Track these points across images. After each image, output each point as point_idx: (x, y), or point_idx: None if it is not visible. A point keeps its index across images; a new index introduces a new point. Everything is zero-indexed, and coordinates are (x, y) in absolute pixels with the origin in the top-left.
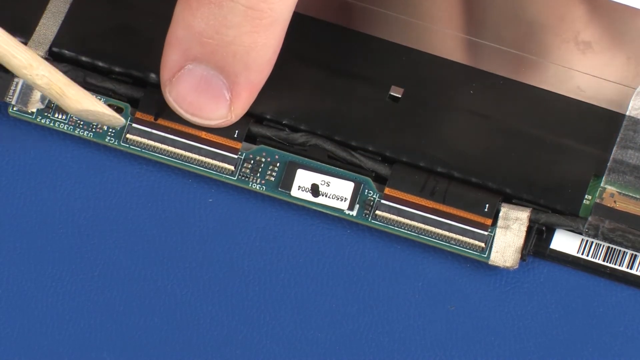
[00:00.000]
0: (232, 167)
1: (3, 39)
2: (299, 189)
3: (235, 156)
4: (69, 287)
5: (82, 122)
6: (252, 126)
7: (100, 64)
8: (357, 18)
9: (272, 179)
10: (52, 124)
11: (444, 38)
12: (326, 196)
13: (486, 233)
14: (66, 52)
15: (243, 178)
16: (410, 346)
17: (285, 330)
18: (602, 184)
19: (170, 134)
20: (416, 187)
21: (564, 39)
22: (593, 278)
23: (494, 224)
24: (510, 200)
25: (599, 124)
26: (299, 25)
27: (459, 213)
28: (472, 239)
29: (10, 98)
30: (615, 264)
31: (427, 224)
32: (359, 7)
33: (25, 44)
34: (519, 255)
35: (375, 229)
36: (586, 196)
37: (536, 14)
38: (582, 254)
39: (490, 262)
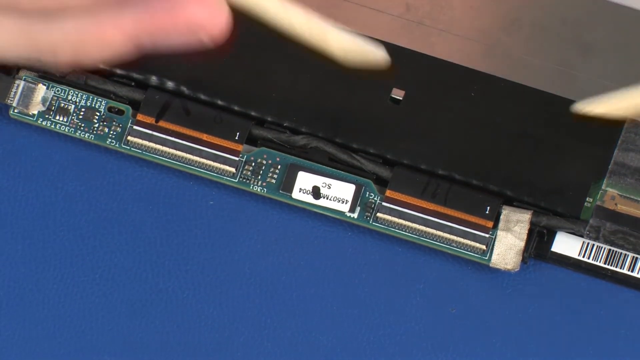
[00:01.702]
0: (233, 170)
1: None
2: (300, 192)
3: (237, 158)
4: (69, 289)
5: (82, 125)
6: (253, 128)
7: (101, 66)
8: (357, 19)
9: (273, 181)
10: (53, 126)
11: (444, 40)
12: (327, 198)
13: (487, 235)
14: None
15: (244, 180)
16: (412, 349)
17: (286, 333)
18: (603, 187)
19: (171, 136)
20: (417, 189)
21: (566, 41)
22: (594, 280)
23: (495, 226)
24: (512, 202)
25: (600, 126)
26: None
27: (460, 215)
28: (473, 241)
29: (11, 100)
30: (616, 267)
31: (428, 227)
32: (359, 8)
33: None
34: (520, 258)
35: (377, 231)
36: (587, 199)
37: (537, 16)
38: (583, 256)
39: (491, 265)
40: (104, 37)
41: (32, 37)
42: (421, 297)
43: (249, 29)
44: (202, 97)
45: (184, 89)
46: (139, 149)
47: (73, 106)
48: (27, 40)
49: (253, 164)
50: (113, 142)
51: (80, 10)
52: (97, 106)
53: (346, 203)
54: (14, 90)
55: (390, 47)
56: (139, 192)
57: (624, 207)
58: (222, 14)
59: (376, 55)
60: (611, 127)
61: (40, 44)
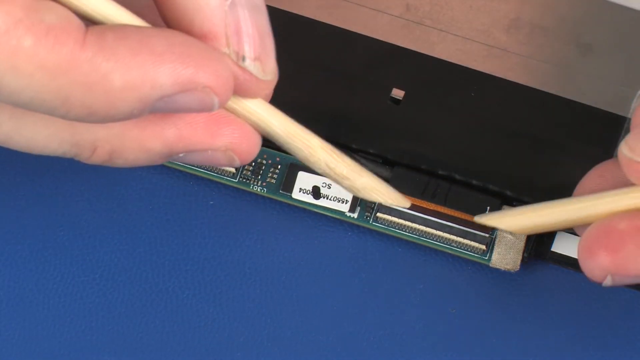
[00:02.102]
0: (233, 170)
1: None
2: (300, 192)
3: None
4: (70, 290)
5: None
6: None
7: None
8: (357, 19)
9: (274, 181)
10: None
11: (444, 40)
12: (327, 198)
13: (487, 235)
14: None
15: (244, 180)
16: (412, 348)
17: (286, 333)
18: None
19: None
20: (417, 189)
21: (565, 41)
22: None
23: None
24: (512, 202)
25: (601, 127)
26: (299, 27)
27: (460, 215)
28: (473, 241)
29: None
30: None
31: (428, 226)
32: (359, 8)
33: None
34: (520, 258)
35: (377, 231)
36: None
37: (537, 16)
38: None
39: (491, 265)
40: (143, 144)
41: (76, 133)
42: (421, 297)
43: None
44: None
45: None
46: None
47: None
48: (71, 136)
49: (253, 164)
50: None
51: None
52: None
53: (346, 203)
54: None
55: (390, 47)
56: (139, 192)
57: None
58: (256, 140)
59: (395, 202)
60: (611, 127)
61: (82, 142)
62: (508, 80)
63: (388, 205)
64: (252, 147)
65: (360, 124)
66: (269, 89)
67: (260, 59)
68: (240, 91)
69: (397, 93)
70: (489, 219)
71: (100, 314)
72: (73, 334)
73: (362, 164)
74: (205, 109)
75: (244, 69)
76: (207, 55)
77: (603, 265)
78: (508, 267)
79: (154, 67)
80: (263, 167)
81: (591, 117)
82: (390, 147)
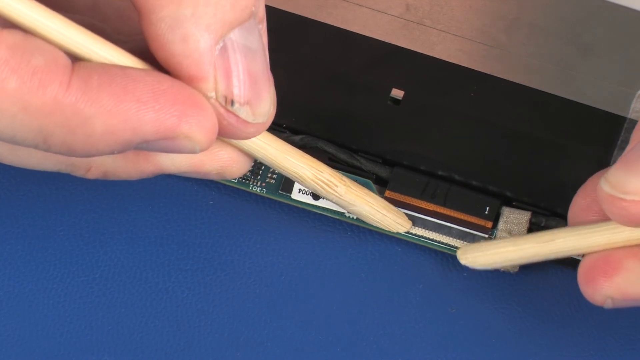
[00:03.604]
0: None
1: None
2: (299, 192)
3: None
4: (69, 289)
5: None
6: None
7: None
8: (357, 19)
9: (273, 181)
10: None
11: (444, 40)
12: (327, 199)
13: (487, 236)
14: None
15: (244, 181)
16: (411, 349)
17: (285, 333)
18: None
19: None
20: (417, 189)
21: (565, 41)
22: None
23: (495, 226)
24: (511, 203)
25: (600, 127)
26: (299, 27)
27: (460, 216)
28: (473, 241)
29: None
30: None
31: (428, 227)
32: (359, 8)
33: None
34: None
35: (376, 231)
36: None
37: (537, 16)
38: (583, 256)
39: None
40: (136, 167)
41: (70, 157)
42: (420, 297)
43: None
44: None
45: None
46: None
47: None
48: (65, 159)
49: (253, 164)
50: None
51: None
52: None
53: None
54: None
55: (390, 47)
56: (139, 192)
57: None
58: (247, 164)
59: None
60: (611, 127)
61: (77, 162)
62: (508, 80)
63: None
64: (242, 170)
65: (360, 124)
66: (260, 131)
67: (250, 103)
68: (227, 134)
69: (397, 93)
70: (470, 256)
71: (100, 314)
72: (73, 334)
73: (361, 163)
74: (187, 152)
75: (230, 113)
76: (191, 104)
77: (602, 290)
78: (507, 267)
79: (137, 115)
80: (262, 168)
81: (591, 117)
82: (390, 147)
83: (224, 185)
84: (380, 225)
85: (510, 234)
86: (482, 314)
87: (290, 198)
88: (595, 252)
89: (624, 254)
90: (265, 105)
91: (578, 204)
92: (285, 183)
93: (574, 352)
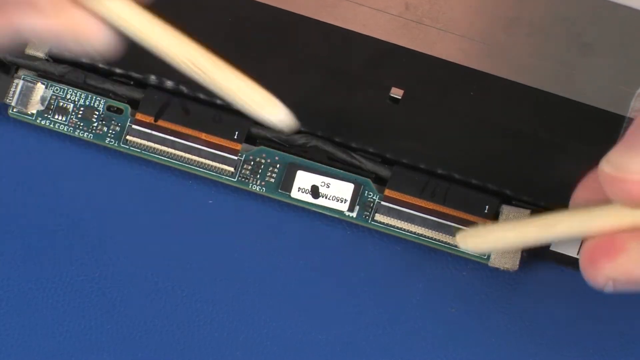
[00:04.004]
0: (232, 169)
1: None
2: (299, 191)
3: (236, 157)
4: (69, 288)
5: (81, 124)
6: (252, 127)
7: (100, 65)
8: (356, 19)
9: (272, 180)
10: (52, 125)
11: (444, 40)
12: (326, 198)
13: None
14: (67, 54)
15: (243, 179)
16: (412, 348)
17: (285, 332)
18: None
19: (170, 136)
20: (416, 188)
21: (565, 40)
22: None
23: None
24: (511, 201)
25: (600, 126)
26: (299, 27)
27: (459, 214)
28: None
29: (10, 99)
30: None
31: (428, 226)
32: (358, 7)
33: (25, 45)
34: (519, 257)
35: (376, 230)
36: None
37: (537, 15)
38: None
39: (490, 264)
40: None
41: None
42: (420, 296)
43: (247, 29)
44: (201, 96)
45: (183, 88)
46: (137, 148)
47: (72, 105)
48: None
49: (252, 163)
50: (112, 142)
51: None
52: (96, 105)
53: (345, 202)
54: (12, 89)
55: (389, 46)
56: (138, 191)
57: None
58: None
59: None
60: (611, 127)
61: None
62: (507, 79)
63: (261, 117)
64: (102, 41)
65: (360, 123)
66: None
67: None
68: None
69: (396, 92)
70: (470, 241)
71: (100, 313)
72: (72, 333)
73: (361, 162)
74: None
75: None
76: None
77: (604, 271)
78: (507, 266)
79: None
80: (262, 166)
81: (591, 117)
82: (390, 146)
83: (223, 184)
84: (250, 105)
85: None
86: (482, 314)
87: (289, 197)
88: (598, 235)
89: (627, 236)
90: None
91: (579, 197)
92: (285, 182)
93: (574, 352)
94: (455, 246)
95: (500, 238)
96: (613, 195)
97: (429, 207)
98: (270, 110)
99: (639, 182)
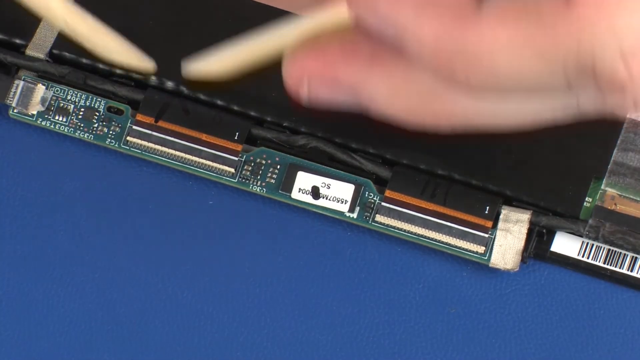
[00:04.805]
0: (232, 170)
1: None
2: (299, 192)
3: (236, 158)
4: (69, 289)
5: (82, 125)
6: (252, 128)
7: (100, 66)
8: None
9: (273, 181)
10: (52, 126)
11: None
12: (327, 198)
13: (487, 235)
14: (67, 54)
15: (243, 180)
16: (411, 349)
17: (285, 333)
18: (602, 187)
19: (171, 136)
20: (417, 189)
21: None
22: (594, 280)
23: (495, 226)
24: (511, 202)
25: (600, 126)
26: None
27: (460, 215)
28: (473, 241)
29: (10, 100)
30: (615, 267)
31: (428, 226)
32: None
33: (26, 46)
34: (520, 258)
35: (376, 231)
36: (587, 199)
37: None
38: (583, 256)
39: (490, 265)
40: None
41: None
42: (420, 296)
43: (247, 28)
44: (202, 97)
45: (183, 88)
46: (138, 149)
47: (72, 106)
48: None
49: (252, 164)
50: (112, 142)
51: None
52: (96, 106)
53: (346, 203)
54: (13, 90)
55: None
56: (138, 192)
57: (623, 207)
58: None
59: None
60: (611, 127)
61: None
62: None
63: (131, 69)
64: None
65: (360, 123)
66: None
67: None
68: None
69: None
70: (192, 70)
71: (100, 314)
72: (72, 334)
73: (361, 163)
74: None
75: None
76: None
77: (303, 64)
78: (507, 267)
79: None
80: (262, 167)
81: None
82: (390, 146)
83: (224, 184)
84: (126, 60)
85: (510, 233)
86: (481, 314)
87: (290, 197)
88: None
89: (333, 36)
90: None
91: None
92: (285, 183)
93: (574, 352)
94: (456, 247)
95: (223, 60)
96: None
97: (430, 208)
98: (137, 66)
99: None
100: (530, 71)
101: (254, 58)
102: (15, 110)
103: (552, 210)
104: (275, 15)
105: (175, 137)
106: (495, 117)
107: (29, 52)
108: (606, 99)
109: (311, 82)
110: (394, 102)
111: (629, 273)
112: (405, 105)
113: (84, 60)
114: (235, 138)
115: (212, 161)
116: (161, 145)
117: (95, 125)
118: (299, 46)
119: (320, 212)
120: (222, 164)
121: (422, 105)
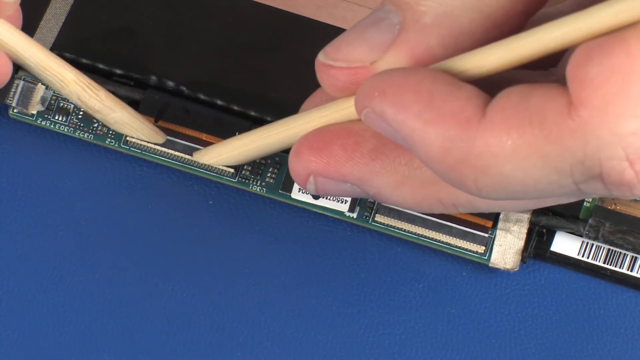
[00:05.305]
0: (232, 169)
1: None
2: (299, 191)
3: None
4: (69, 289)
5: (82, 124)
6: (252, 128)
7: (100, 66)
8: (356, 19)
9: (273, 181)
10: (52, 126)
11: None
12: (327, 198)
13: (487, 235)
14: (67, 54)
15: (244, 180)
16: (411, 348)
17: (285, 332)
18: None
19: (171, 136)
20: None
21: None
22: (593, 280)
23: (495, 226)
24: None
25: None
26: (299, 27)
27: (460, 215)
28: (473, 241)
29: (10, 100)
30: (615, 266)
31: (428, 226)
32: (358, 8)
33: None
34: (520, 258)
35: (376, 231)
36: (586, 198)
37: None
38: (583, 256)
39: (490, 265)
40: None
41: None
42: (420, 296)
43: (247, 28)
44: (202, 97)
45: (183, 89)
46: (138, 148)
47: (72, 106)
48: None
49: (252, 163)
50: (112, 142)
51: None
52: None
53: (345, 203)
54: (13, 90)
55: None
56: (139, 192)
57: (623, 207)
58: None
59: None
60: None
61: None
62: None
63: (140, 140)
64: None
65: None
66: (12, 10)
67: None
68: None
69: None
70: (202, 156)
71: (100, 314)
72: (72, 334)
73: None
74: None
75: None
76: None
77: (307, 164)
78: (507, 267)
79: None
80: (262, 167)
81: None
82: None
83: (224, 184)
84: (139, 134)
85: (510, 232)
86: (481, 314)
87: (290, 197)
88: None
89: (336, 129)
90: None
91: (308, 105)
92: (285, 182)
93: (574, 352)
94: (456, 247)
95: (231, 149)
96: (323, 83)
97: None
98: (159, 138)
99: (342, 68)
100: (538, 179)
101: (262, 148)
102: (15, 110)
103: (552, 210)
104: (275, 15)
105: (175, 137)
106: (501, 206)
107: None
108: (612, 193)
109: (316, 180)
110: (400, 192)
111: (629, 273)
112: (411, 195)
113: (84, 60)
114: None
115: None
116: (161, 146)
117: (96, 125)
118: (303, 140)
119: (320, 212)
120: None
121: (428, 194)
